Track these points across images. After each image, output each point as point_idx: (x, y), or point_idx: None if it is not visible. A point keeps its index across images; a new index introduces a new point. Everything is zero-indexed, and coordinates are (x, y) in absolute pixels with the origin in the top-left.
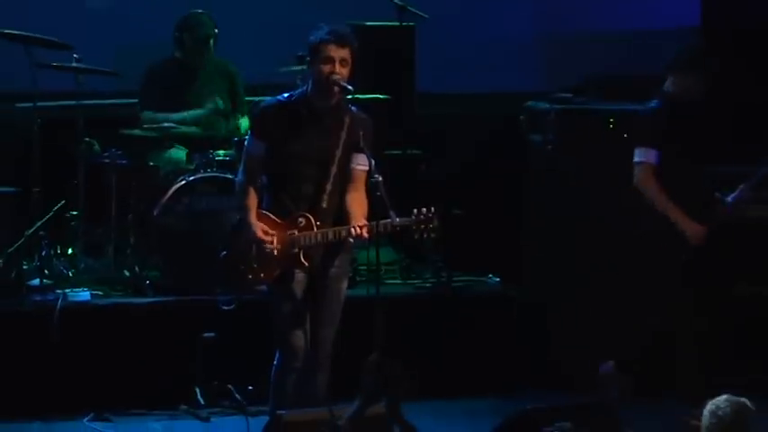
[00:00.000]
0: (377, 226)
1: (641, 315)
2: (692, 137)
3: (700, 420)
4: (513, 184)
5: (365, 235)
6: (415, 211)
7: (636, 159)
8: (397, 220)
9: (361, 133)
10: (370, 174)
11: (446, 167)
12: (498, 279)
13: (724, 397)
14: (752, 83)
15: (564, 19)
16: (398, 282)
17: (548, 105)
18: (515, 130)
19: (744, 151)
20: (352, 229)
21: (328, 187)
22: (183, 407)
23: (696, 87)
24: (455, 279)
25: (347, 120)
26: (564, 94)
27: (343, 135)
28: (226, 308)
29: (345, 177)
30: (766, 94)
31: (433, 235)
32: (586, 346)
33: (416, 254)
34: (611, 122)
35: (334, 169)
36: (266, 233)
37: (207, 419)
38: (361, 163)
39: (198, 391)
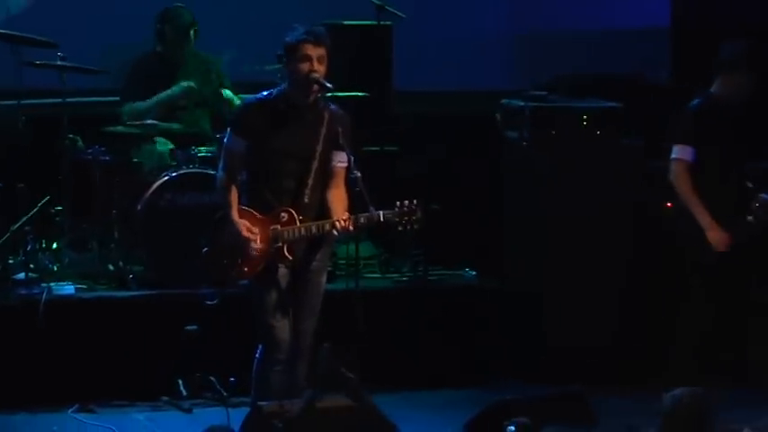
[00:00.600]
0: (360, 218)
1: (617, 307)
2: (730, 139)
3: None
4: (488, 180)
5: (350, 228)
6: (398, 203)
7: (672, 156)
8: (381, 212)
9: (340, 130)
10: (349, 170)
11: (423, 163)
12: (475, 273)
13: (683, 388)
14: None
15: (538, 18)
16: (377, 276)
17: (522, 103)
18: (491, 126)
19: None
20: (337, 223)
21: (310, 182)
22: (166, 398)
23: (741, 88)
24: (432, 273)
25: (326, 116)
26: (538, 92)
27: (323, 131)
28: (209, 302)
29: (326, 173)
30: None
31: (416, 227)
32: (563, 339)
33: (395, 248)
34: (584, 120)
35: (315, 164)
36: (250, 231)
37: (189, 411)
38: (340, 159)
39: (180, 382)
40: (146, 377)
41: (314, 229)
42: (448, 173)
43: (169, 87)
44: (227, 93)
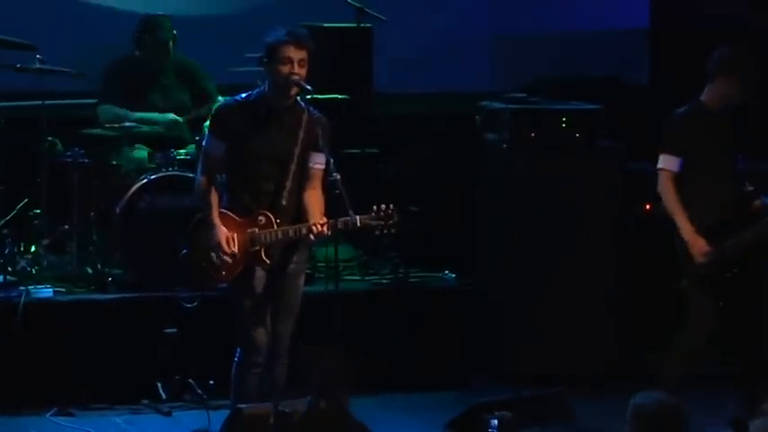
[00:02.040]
0: (337, 223)
1: (597, 309)
2: (722, 144)
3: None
4: (468, 183)
5: (326, 232)
6: (375, 207)
7: (658, 166)
8: (358, 217)
9: (319, 132)
10: (328, 172)
11: (403, 166)
12: (454, 275)
13: (649, 392)
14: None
15: (518, 20)
16: (357, 278)
17: (502, 105)
18: (471, 129)
19: None
20: (313, 227)
21: (288, 185)
22: (145, 401)
23: (731, 95)
24: (412, 275)
25: (305, 119)
26: (518, 94)
27: (302, 134)
28: (188, 305)
29: (304, 175)
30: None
31: (393, 231)
32: (542, 341)
33: (374, 250)
34: (563, 121)
35: (293, 167)
36: (227, 237)
37: (168, 414)
38: (318, 162)
39: (160, 385)
40: (125, 380)
41: (291, 233)
42: (428, 175)
43: (148, 91)
44: (179, 119)
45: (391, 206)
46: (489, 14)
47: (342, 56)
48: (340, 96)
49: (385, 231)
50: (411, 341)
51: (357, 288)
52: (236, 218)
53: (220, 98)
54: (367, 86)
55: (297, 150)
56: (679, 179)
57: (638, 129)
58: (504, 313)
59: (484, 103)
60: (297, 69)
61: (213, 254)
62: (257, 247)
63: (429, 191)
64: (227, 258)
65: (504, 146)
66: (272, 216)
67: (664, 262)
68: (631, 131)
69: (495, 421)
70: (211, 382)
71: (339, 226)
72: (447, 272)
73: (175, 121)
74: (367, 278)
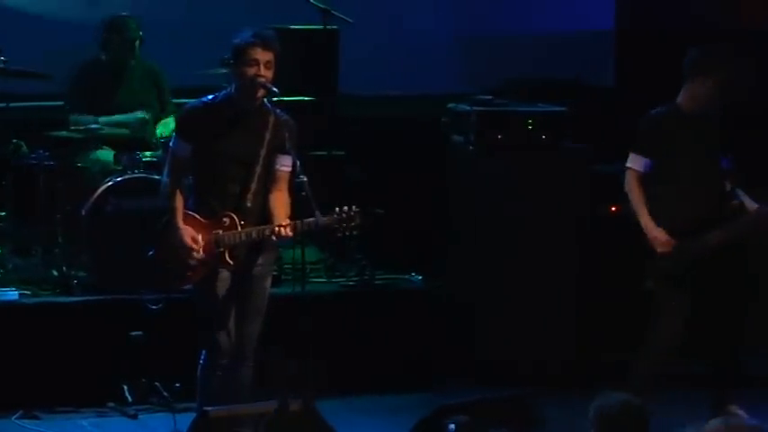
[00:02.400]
0: (300, 224)
1: (564, 312)
2: (698, 147)
3: None
4: (435, 185)
5: (288, 233)
6: (337, 209)
7: (626, 164)
8: (319, 218)
9: (285, 134)
10: (295, 174)
11: (370, 168)
12: (421, 277)
13: (614, 394)
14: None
15: (484, 22)
16: (323, 280)
17: (468, 107)
18: (438, 131)
19: None
20: (276, 228)
21: (253, 186)
22: (111, 404)
23: (705, 96)
24: (378, 277)
25: (271, 121)
26: (484, 96)
27: (268, 136)
28: (153, 307)
29: (270, 177)
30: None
31: (355, 233)
32: (509, 343)
33: (341, 253)
34: (530, 124)
35: (258, 169)
36: (193, 239)
37: (134, 417)
38: (284, 164)
39: (125, 388)
40: (90, 383)
41: (254, 234)
42: (395, 177)
43: (114, 92)
44: (147, 116)
45: (354, 208)
46: (455, 17)
47: (308, 58)
48: (306, 98)
49: (347, 233)
50: (378, 343)
51: (323, 290)
52: (202, 219)
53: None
54: (333, 88)
55: (263, 152)
56: (650, 179)
57: (604, 130)
58: (471, 315)
59: (450, 105)
60: (263, 71)
61: (178, 254)
62: (221, 249)
63: (396, 193)
64: (192, 259)
65: (471, 148)
66: (236, 218)
67: (629, 263)
68: (597, 133)
69: (453, 426)
70: (177, 384)
71: (301, 227)
72: (413, 274)
73: (143, 120)
74: (333, 280)
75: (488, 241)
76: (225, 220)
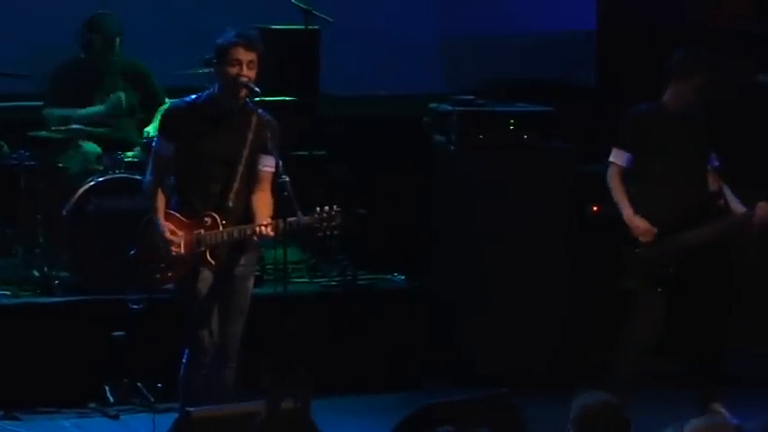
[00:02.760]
0: (281, 224)
1: (547, 311)
2: (681, 147)
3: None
4: (417, 185)
5: (270, 233)
6: (318, 209)
7: (609, 158)
8: (300, 218)
9: (268, 134)
10: (277, 174)
11: (352, 168)
12: (403, 277)
13: (596, 393)
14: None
15: (466, 22)
16: (305, 280)
17: (450, 107)
18: (419, 131)
19: None
20: (258, 228)
21: (235, 186)
22: (93, 405)
23: (687, 97)
24: (361, 277)
25: (254, 121)
26: (466, 96)
27: (250, 136)
28: (135, 307)
29: (252, 178)
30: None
31: (336, 232)
32: (493, 344)
33: (323, 253)
34: (511, 124)
35: (240, 169)
36: (173, 234)
37: (116, 417)
38: (267, 164)
39: (107, 389)
40: (72, 384)
41: (235, 234)
42: (377, 177)
43: (94, 94)
44: (123, 96)
45: (335, 207)
46: (438, 17)
47: (290, 58)
48: (288, 98)
49: (327, 233)
50: (360, 343)
51: (306, 290)
52: (184, 219)
53: (167, 100)
54: (315, 88)
55: (245, 152)
56: (632, 175)
57: (586, 130)
58: (454, 315)
59: (432, 105)
60: (246, 71)
61: (159, 253)
62: (202, 248)
63: (378, 193)
64: (173, 258)
65: (453, 148)
66: (217, 217)
67: (612, 262)
68: (579, 133)
69: None
70: (159, 385)
71: (283, 227)
72: (396, 274)
73: (118, 99)
74: (316, 280)
75: (471, 241)
76: (206, 219)
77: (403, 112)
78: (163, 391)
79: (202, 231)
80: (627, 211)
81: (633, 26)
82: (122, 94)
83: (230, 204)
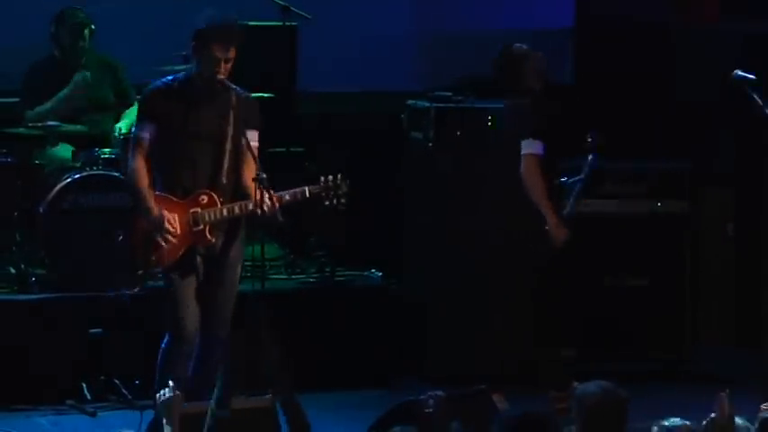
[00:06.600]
0: (285, 195)
1: (522, 309)
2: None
3: (564, 402)
4: (394, 181)
5: (274, 205)
6: (323, 178)
7: (523, 151)
8: (306, 188)
9: (248, 111)
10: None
11: (329, 165)
12: (380, 274)
13: (594, 382)
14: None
15: (444, 19)
16: (283, 277)
17: (427, 103)
18: (397, 128)
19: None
20: (261, 201)
21: (225, 164)
22: (70, 402)
23: (522, 82)
24: (338, 274)
25: (233, 98)
26: (444, 93)
27: (233, 113)
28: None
29: (239, 155)
30: (637, 90)
31: (342, 200)
32: (465, 341)
33: (301, 249)
34: (489, 120)
35: (228, 146)
36: (168, 217)
37: (93, 414)
38: (252, 139)
39: (84, 386)
40: (49, 381)
41: (236, 210)
42: (354, 174)
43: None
44: (88, 75)
45: (339, 176)
46: (415, 14)
47: (267, 54)
48: (265, 95)
49: (334, 201)
50: (336, 340)
51: (283, 287)
52: (175, 199)
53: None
54: (292, 85)
55: (230, 130)
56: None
57: (564, 127)
58: (427, 312)
59: (410, 101)
60: (222, 67)
61: (152, 236)
62: (201, 227)
63: (355, 190)
64: (169, 237)
65: (430, 144)
66: (214, 195)
67: (587, 260)
68: (557, 130)
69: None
70: (137, 381)
71: (287, 198)
72: (373, 270)
73: (83, 78)
74: (293, 277)
75: (446, 239)
76: (202, 197)
77: (380, 108)
78: (140, 388)
79: (199, 210)
80: (551, 215)
81: (611, 24)
82: (88, 73)
83: (224, 181)
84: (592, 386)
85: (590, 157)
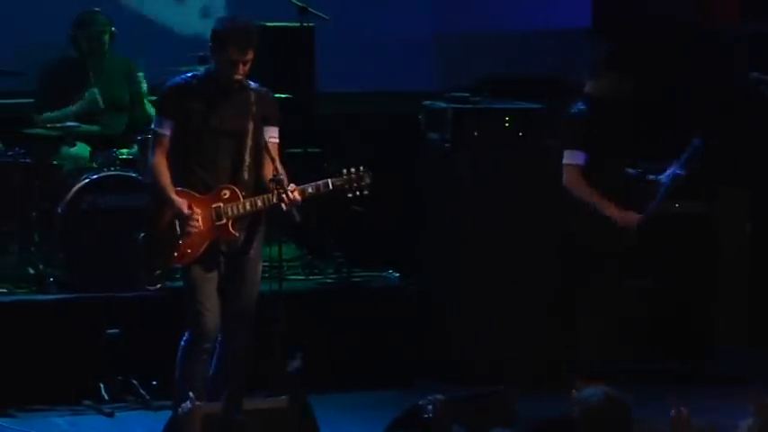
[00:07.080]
0: (308, 188)
1: (539, 309)
2: (617, 137)
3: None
4: (412, 182)
5: (297, 198)
6: (345, 170)
7: (564, 162)
8: (330, 180)
9: (268, 107)
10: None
11: (346, 165)
12: (397, 275)
13: (598, 387)
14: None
15: (461, 19)
16: (301, 277)
17: (445, 104)
18: (414, 128)
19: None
20: (284, 194)
21: (246, 159)
22: (87, 402)
23: (614, 88)
24: (355, 275)
25: (252, 96)
26: (461, 94)
27: (253, 109)
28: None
29: (260, 151)
30: (656, 94)
31: (366, 192)
32: (484, 341)
33: (318, 250)
34: (506, 121)
35: (249, 142)
36: (191, 210)
37: (111, 415)
38: (272, 135)
39: (102, 386)
40: (66, 381)
41: (259, 203)
42: (372, 174)
43: (84, 91)
44: (97, 93)
45: (361, 168)
46: (432, 14)
47: (284, 55)
48: (283, 96)
49: (357, 193)
50: (354, 340)
51: (301, 288)
52: (197, 195)
53: (147, 104)
54: (310, 86)
55: (250, 126)
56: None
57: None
58: (446, 313)
59: (427, 102)
60: (240, 70)
61: (174, 231)
62: (224, 221)
63: (373, 191)
64: (192, 231)
65: (447, 145)
66: (237, 189)
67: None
68: None
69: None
70: (154, 382)
71: (310, 191)
72: (390, 271)
73: (93, 96)
74: (311, 278)
75: (464, 239)
76: (225, 192)
77: (397, 109)
78: (158, 389)
79: (221, 205)
80: (609, 207)
81: (628, 24)
82: (96, 91)
83: (246, 177)
84: (595, 391)
85: (684, 156)
